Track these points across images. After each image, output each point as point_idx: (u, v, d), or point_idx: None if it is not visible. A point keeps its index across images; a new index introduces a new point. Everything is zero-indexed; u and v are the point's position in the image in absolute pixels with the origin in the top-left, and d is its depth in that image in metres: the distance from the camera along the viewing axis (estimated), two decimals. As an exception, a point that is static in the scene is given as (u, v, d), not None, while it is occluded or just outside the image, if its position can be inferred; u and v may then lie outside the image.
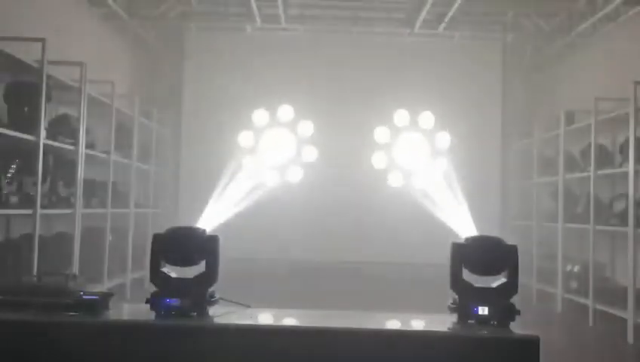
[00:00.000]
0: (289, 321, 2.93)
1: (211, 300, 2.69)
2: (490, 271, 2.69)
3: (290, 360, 2.50)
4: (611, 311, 6.15)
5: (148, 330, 2.55)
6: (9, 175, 5.02)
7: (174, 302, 2.61)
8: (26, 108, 4.97)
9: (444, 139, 9.62)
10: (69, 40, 6.83)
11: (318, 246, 9.25)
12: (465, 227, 8.47)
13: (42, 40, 4.96)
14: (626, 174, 5.86)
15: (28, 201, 4.96)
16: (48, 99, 5.21)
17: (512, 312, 2.58)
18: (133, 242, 7.63)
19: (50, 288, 2.74)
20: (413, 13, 8.70)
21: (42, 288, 2.73)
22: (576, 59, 8.87)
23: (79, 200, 5.77)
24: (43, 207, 5.11)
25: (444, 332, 2.56)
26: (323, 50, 9.60)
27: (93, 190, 6.52)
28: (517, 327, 2.57)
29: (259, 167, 9.59)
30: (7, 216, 5.38)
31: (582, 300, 6.83)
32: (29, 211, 4.93)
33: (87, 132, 6.03)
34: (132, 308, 3.01)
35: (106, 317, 2.60)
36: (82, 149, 5.77)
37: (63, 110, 6.22)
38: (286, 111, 9.64)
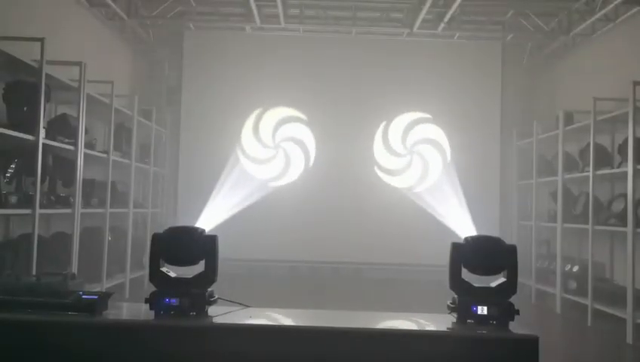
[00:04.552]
0: (288, 321, 2.93)
1: (210, 300, 2.69)
2: (490, 271, 2.70)
3: (289, 360, 2.50)
4: (610, 311, 6.15)
5: (147, 330, 2.55)
6: (8, 175, 5.01)
7: (173, 301, 2.62)
8: (25, 108, 4.96)
9: (444, 139, 9.63)
10: (68, 40, 6.83)
11: (318, 248, 9.24)
12: (464, 227, 8.50)
13: (41, 40, 4.96)
14: (624, 174, 5.86)
15: (27, 201, 4.96)
16: (47, 98, 5.20)
17: (511, 312, 2.58)
18: (133, 242, 7.63)
19: (49, 288, 2.73)
20: (412, 13, 8.70)
21: (41, 288, 2.73)
22: (576, 59, 8.87)
23: (78, 200, 5.77)
24: (42, 206, 5.11)
25: (444, 332, 2.56)
26: (322, 50, 9.60)
27: (93, 190, 6.52)
28: (516, 327, 2.57)
29: (258, 167, 9.59)
30: (7, 215, 5.38)
31: (581, 300, 6.83)
32: (28, 211, 4.92)
33: (87, 132, 6.03)
34: (131, 308, 3.01)
35: (105, 316, 2.60)
36: (81, 149, 5.77)
37: (62, 110, 6.22)
38: (285, 112, 9.65)
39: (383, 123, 9.66)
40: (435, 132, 9.65)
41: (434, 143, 9.64)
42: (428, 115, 9.64)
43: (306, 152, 9.62)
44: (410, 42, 9.56)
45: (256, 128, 9.62)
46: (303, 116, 9.64)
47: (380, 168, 9.64)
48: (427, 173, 9.62)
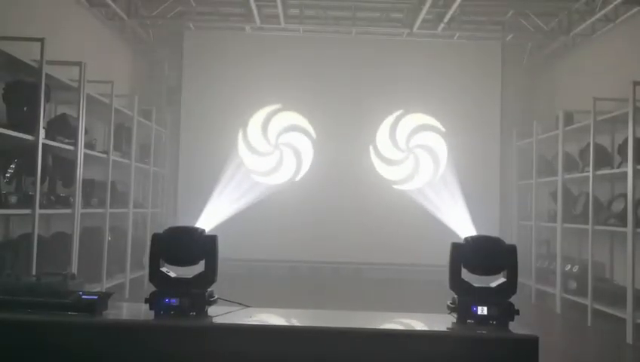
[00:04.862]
0: (288, 321, 2.93)
1: (210, 300, 2.69)
2: (490, 271, 2.70)
3: (289, 360, 2.50)
4: (610, 311, 6.16)
5: (147, 330, 2.55)
6: (8, 175, 5.01)
7: (173, 301, 2.62)
8: (25, 108, 4.96)
9: (444, 139, 9.63)
10: (68, 40, 6.83)
11: (318, 248, 9.24)
12: (464, 227, 8.50)
13: (41, 40, 4.96)
14: (624, 174, 5.86)
15: (27, 201, 4.96)
16: (47, 98, 5.20)
17: (511, 312, 2.58)
18: (133, 242, 7.63)
19: (49, 288, 2.73)
20: (412, 13, 8.70)
21: (41, 288, 2.73)
22: (576, 59, 8.87)
23: (78, 200, 5.77)
24: (42, 206, 5.11)
25: (444, 332, 2.56)
26: (322, 50, 9.60)
27: (92, 190, 6.52)
28: (516, 327, 2.57)
29: (258, 167, 9.59)
30: (7, 215, 5.38)
31: (581, 300, 6.83)
32: (27, 211, 4.92)
33: (86, 132, 6.03)
34: (131, 308, 3.01)
35: (105, 316, 2.60)
36: (81, 149, 5.77)
37: (62, 110, 6.22)
38: (284, 112, 9.64)
39: (383, 122, 9.66)
40: (435, 132, 9.64)
41: (433, 143, 9.64)
42: (428, 115, 9.64)
43: (306, 152, 9.62)
44: (410, 42, 9.56)
45: (255, 128, 9.62)
46: (302, 116, 9.63)
47: (379, 168, 9.64)
48: (427, 172, 9.62)
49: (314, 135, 9.61)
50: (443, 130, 9.62)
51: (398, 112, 9.66)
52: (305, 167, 9.61)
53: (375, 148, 9.66)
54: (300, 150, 9.62)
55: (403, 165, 9.67)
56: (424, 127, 9.67)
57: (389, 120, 9.67)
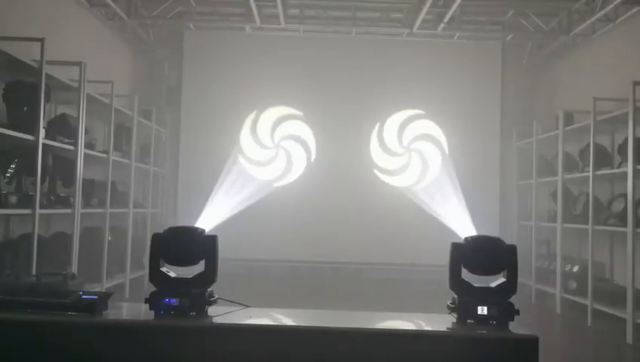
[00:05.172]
0: (288, 321, 2.93)
1: (210, 300, 2.69)
2: (490, 271, 2.70)
3: (289, 360, 2.50)
4: (610, 311, 6.16)
5: (147, 330, 2.55)
6: (8, 175, 5.01)
7: (173, 301, 2.62)
8: (25, 108, 4.96)
9: (443, 139, 9.62)
10: (68, 40, 6.83)
11: (318, 248, 9.24)
12: (464, 227, 8.50)
13: (41, 40, 4.96)
14: (624, 174, 5.86)
15: (27, 201, 4.96)
16: (47, 98, 5.20)
17: (511, 312, 2.58)
18: (133, 242, 7.63)
19: (49, 288, 2.73)
20: (412, 13, 8.70)
21: (41, 288, 2.73)
22: (576, 59, 8.87)
23: (78, 200, 5.77)
24: (42, 206, 5.11)
25: (444, 332, 2.56)
26: (322, 50, 9.60)
27: (92, 190, 6.52)
28: (516, 327, 2.57)
29: (258, 167, 9.59)
30: (7, 215, 5.38)
31: (581, 300, 6.83)
32: (28, 211, 4.92)
33: (87, 132, 6.03)
34: (131, 308, 3.01)
35: (105, 316, 2.60)
36: (81, 149, 5.77)
37: (62, 110, 6.22)
38: (284, 112, 9.65)
39: (382, 122, 9.65)
40: (435, 132, 9.64)
41: (433, 143, 9.64)
42: (427, 115, 9.64)
43: (306, 152, 9.62)
44: (410, 42, 9.56)
45: (255, 128, 9.63)
46: (302, 116, 9.64)
47: (380, 168, 9.64)
48: (426, 172, 9.62)
49: (313, 135, 9.60)
50: (443, 131, 9.60)
51: (398, 113, 9.65)
52: (305, 167, 9.60)
53: (374, 147, 9.64)
54: (300, 150, 9.61)
55: (401, 164, 9.65)
56: (423, 127, 9.65)
57: (388, 120, 9.66)
